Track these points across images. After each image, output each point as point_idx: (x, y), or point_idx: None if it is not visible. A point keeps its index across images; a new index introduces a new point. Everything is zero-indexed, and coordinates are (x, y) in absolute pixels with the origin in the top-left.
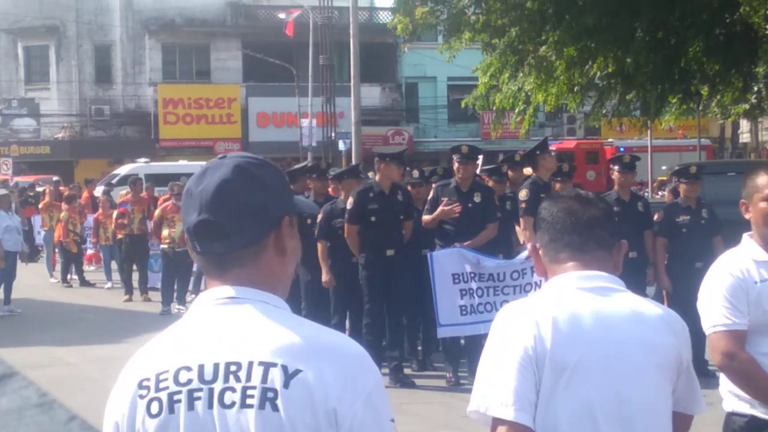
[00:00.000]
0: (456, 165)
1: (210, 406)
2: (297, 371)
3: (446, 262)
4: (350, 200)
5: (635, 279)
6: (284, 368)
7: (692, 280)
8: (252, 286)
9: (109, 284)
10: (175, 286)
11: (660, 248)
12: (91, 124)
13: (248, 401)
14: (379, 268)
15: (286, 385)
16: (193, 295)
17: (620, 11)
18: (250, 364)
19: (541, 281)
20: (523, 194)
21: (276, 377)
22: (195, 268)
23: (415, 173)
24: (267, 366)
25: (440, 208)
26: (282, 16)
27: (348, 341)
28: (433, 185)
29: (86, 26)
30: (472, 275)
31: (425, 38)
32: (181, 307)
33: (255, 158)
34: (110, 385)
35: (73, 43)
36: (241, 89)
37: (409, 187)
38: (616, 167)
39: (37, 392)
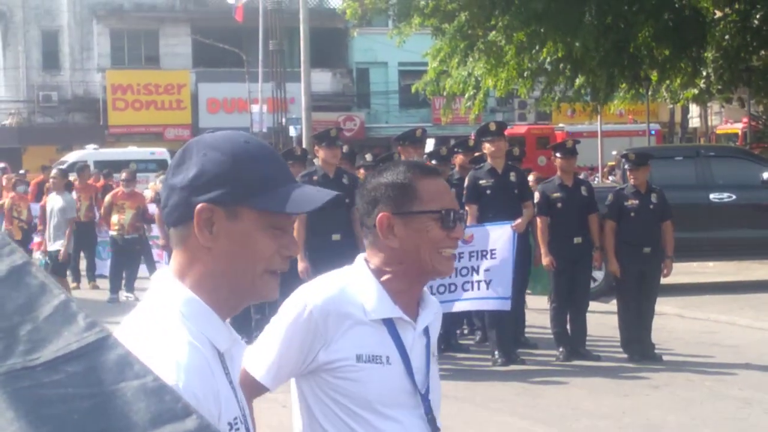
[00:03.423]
0: (487, 146)
1: None
2: None
3: None
4: None
5: (582, 263)
6: None
7: (640, 264)
8: (176, 270)
9: None
10: (124, 274)
11: (609, 232)
12: (39, 111)
13: None
14: (324, 253)
15: None
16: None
17: None
18: None
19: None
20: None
21: None
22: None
23: (369, 156)
24: None
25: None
26: (231, 1)
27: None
28: (470, 172)
29: (33, 11)
30: None
31: (376, 23)
32: (129, 294)
33: (214, 138)
34: None
35: (20, 29)
36: (190, 75)
37: (361, 171)
38: (558, 153)
39: None
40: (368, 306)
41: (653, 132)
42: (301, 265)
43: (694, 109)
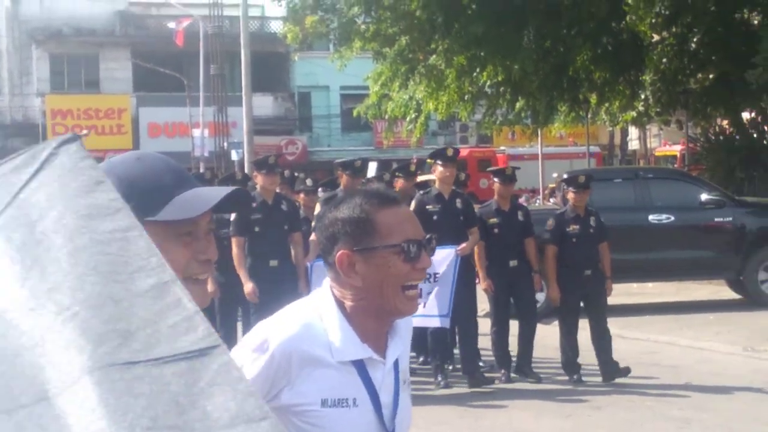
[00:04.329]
0: (439, 170)
1: None
2: None
3: (323, 273)
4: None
5: (520, 285)
6: None
7: (581, 287)
8: None
9: None
10: None
11: (551, 257)
12: None
13: None
14: (263, 278)
15: None
16: None
17: (508, 20)
18: None
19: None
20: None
21: None
22: None
23: (309, 181)
24: None
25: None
26: (172, 25)
27: None
28: (417, 194)
29: None
30: None
31: (317, 47)
32: None
33: (110, 163)
34: None
35: None
36: (131, 99)
37: (301, 196)
38: (497, 179)
39: None
40: (335, 346)
41: (593, 154)
42: (247, 287)
43: (633, 132)
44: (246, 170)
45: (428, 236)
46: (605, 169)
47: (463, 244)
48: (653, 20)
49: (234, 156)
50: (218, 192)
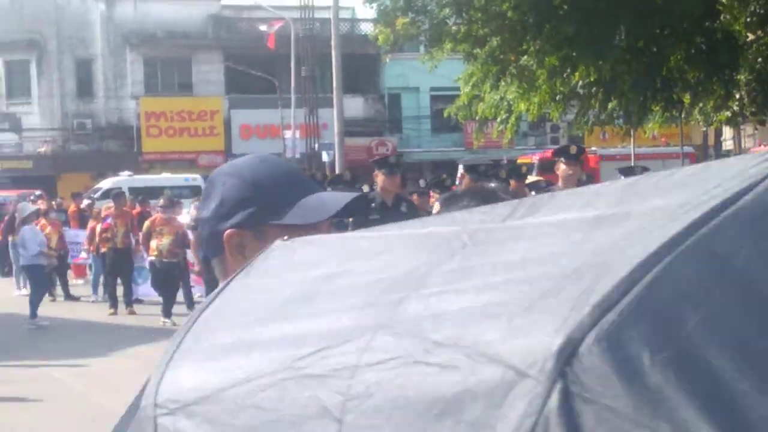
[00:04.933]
0: (562, 168)
1: None
2: None
3: None
4: None
5: None
6: None
7: None
8: None
9: (94, 297)
10: (162, 299)
11: None
12: (73, 138)
13: None
14: None
15: None
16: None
17: (600, 20)
18: None
19: None
20: None
21: None
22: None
23: (422, 182)
24: None
25: None
26: (263, 28)
27: None
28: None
29: (67, 40)
30: None
31: (407, 48)
32: (166, 320)
33: (232, 165)
34: (97, 400)
35: (54, 58)
36: (223, 101)
37: (415, 196)
38: (562, 159)
39: None
40: None
41: (687, 154)
42: None
43: (728, 132)
44: (337, 171)
45: None
46: None
47: None
48: (748, 19)
49: (325, 157)
50: (342, 198)
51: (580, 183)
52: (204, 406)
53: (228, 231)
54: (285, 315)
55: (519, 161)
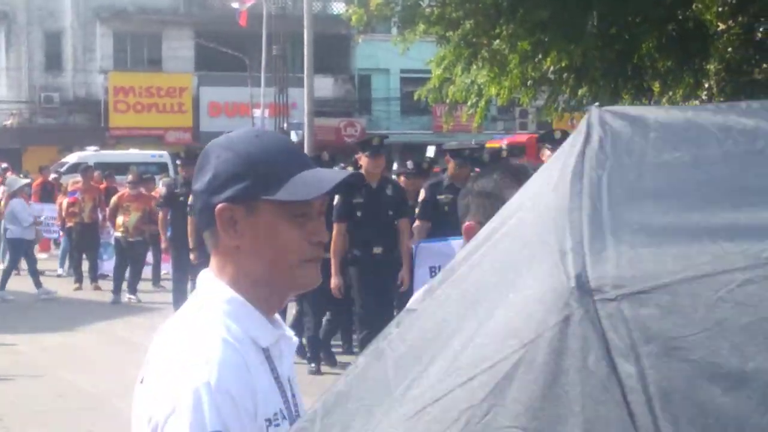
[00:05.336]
0: (547, 153)
1: None
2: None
3: (429, 254)
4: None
5: None
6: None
7: None
8: (214, 271)
9: (60, 271)
10: (126, 275)
11: None
12: (40, 111)
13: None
14: (365, 267)
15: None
16: (153, 286)
17: (573, 5)
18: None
19: None
20: None
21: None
22: (151, 258)
23: (410, 163)
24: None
25: None
26: (235, 5)
27: (193, 359)
28: (425, 186)
29: (36, 12)
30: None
31: (379, 30)
32: (131, 296)
33: (227, 138)
34: (62, 374)
35: (23, 30)
36: (192, 78)
37: (402, 178)
38: (547, 144)
39: None
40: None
41: None
42: (333, 281)
43: None
44: (305, 151)
45: None
46: None
47: None
48: (720, 9)
49: (294, 137)
50: (337, 174)
51: None
52: (664, 295)
53: (220, 205)
54: (734, 203)
55: (487, 146)
